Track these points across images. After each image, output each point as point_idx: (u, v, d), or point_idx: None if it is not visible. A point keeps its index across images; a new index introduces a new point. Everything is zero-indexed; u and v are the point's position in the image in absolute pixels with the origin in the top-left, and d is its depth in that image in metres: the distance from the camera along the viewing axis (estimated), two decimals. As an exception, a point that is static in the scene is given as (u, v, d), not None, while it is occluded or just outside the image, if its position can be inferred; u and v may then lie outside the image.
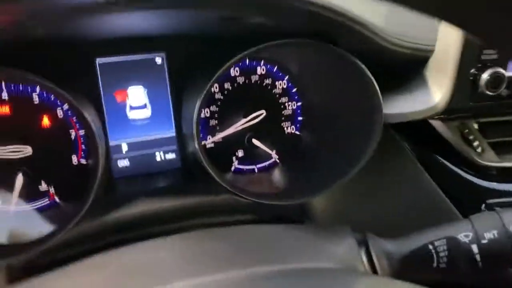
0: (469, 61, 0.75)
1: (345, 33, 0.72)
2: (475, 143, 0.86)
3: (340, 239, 0.70)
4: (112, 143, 0.84)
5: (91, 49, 0.80)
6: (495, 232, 0.64)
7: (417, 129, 0.89)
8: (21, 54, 0.68)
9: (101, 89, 0.82)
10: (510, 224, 0.64)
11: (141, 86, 0.85)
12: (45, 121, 0.79)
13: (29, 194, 0.79)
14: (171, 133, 0.88)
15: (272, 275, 0.59)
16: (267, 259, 0.63)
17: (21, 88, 0.77)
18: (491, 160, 0.87)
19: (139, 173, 0.87)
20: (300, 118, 0.94)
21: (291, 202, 0.81)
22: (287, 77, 0.92)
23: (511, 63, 0.77)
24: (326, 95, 0.89)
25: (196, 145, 0.75)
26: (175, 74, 0.86)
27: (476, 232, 0.64)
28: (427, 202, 0.90)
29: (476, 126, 0.88)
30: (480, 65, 0.76)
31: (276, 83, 0.91)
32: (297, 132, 0.94)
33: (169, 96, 0.86)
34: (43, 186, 0.80)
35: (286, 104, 0.93)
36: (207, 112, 0.88)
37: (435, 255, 0.64)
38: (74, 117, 0.80)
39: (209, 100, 0.87)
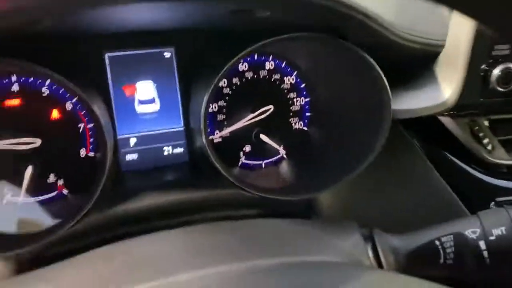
0: (480, 57, 0.74)
1: (354, 27, 0.71)
2: (485, 141, 0.85)
3: (346, 234, 0.69)
4: (120, 136, 0.85)
5: (101, 43, 0.81)
6: (503, 228, 0.63)
7: (426, 126, 0.89)
8: (31, 48, 0.69)
9: (110, 83, 0.83)
10: (518, 221, 0.64)
11: (149, 81, 0.85)
12: (54, 114, 0.80)
13: (38, 186, 0.79)
14: (179, 127, 0.88)
15: (275, 268, 0.59)
16: (271, 252, 0.63)
17: (31, 81, 0.78)
18: (501, 157, 0.86)
19: (147, 167, 0.87)
20: (308, 114, 0.94)
21: (298, 198, 0.81)
22: (295, 72, 0.91)
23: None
24: (335, 90, 0.89)
25: (204, 140, 0.75)
26: (184, 69, 0.86)
27: (484, 228, 0.64)
28: (436, 199, 0.89)
29: (486, 123, 0.87)
30: (491, 60, 0.75)
31: (285, 78, 0.91)
32: (305, 128, 0.94)
33: (178, 91, 0.87)
34: (52, 178, 0.81)
35: (294, 99, 0.92)
36: (215, 106, 0.88)
37: (442, 251, 0.64)
38: (83, 111, 0.81)
39: (217, 94, 0.87)
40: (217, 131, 0.89)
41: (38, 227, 0.74)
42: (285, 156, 0.93)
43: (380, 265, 0.65)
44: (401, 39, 0.73)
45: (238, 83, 0.88)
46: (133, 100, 0.85)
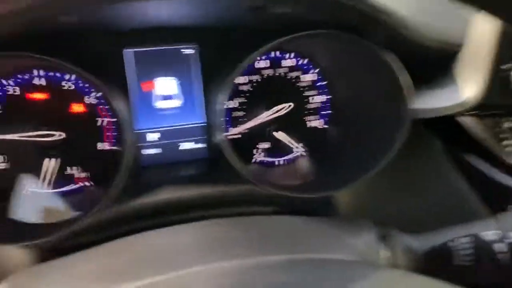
0: (502, 57, 0.73)
1: (373, 25, 0.71)
2: (506, 142, 0.84)
3: (361, 232, 0.69)
4: (140, 131, 0.86)
5: (122, 39, 0.82)
6: (521, 231, 0.62)
7: (446, 126, 0.88)
8: (53, 43, 0.70)
9: (131, 78, 0.84)
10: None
11: (171, 77, 0.86)
12: (76, 107, 0.82)
13: (60, 178, 0.82)
14: (199, 123, 0.89)
15: (287, 264, 0.59)
16: (285, 249, 0.63)
17: (54, 75, 0.80)
18: (521, 159, 0.84)
19: (166, 162, 0.88)
20: (327, 112, 0.94)
21: (314, 195, 0.81)
22: (317, 70, 0.91)
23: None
24: (354, 88, 0.89)
25: (221, 136, 0.76)
26: (205, 65, 0.87)
27: (502, 231, 0.63)
28: (454, 200, 0.88)
29: (507, 124, 0.85)
30: (514, 60, 0.73)
31: (304, 76, 0.91)
32: (325, 126, 0.94)
33: (198, 87, 0.88)
34: (73, 171, 0.83)
35: (313, 97, 0.92)
36: (234, 103, 0.89)
37: (457, 253, 0.63)
38: (104, 105, 0.82)
39: (237, 91, 0.88)
40: (235, 128, 0.89)
41: (59, 218, 0.77)
42: (302, 153, 0.93)
43: (395, 265, 0.65)
44: (420, 37, 0.72)
45: (259, 80, 0.89)
46: (154, 95, 0.86)
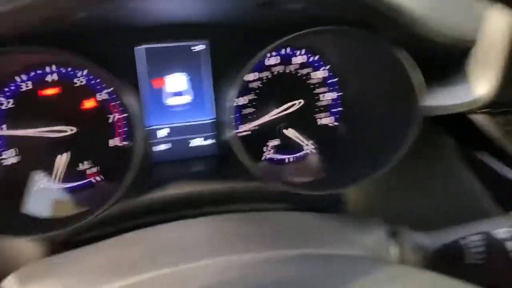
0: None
1: (385, 21, 0.70)
2: (519, 140, 0.83)
3: (371, 229, 0.69)
4: (150, 128, 0.87)
5: (133, 35, 0.83)
6: (534, 229, 0.61)
7: (458, 123, 0.87)
8: (65, 40, 0.71)
9: (142, 75, 0.85)
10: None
11: (181, 73, 0.87)
12: (88, 103, 0.82)
13: (71, 173, 0.83)
14: (209, 120, 0.89)
15: (295, 259, 0.59)
16: (295, 243, 0.63)
17: (67, 71, 0.81)
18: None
19: (176, 158, 0.89)
20: (337, 109, 0.93)
21: (324, 193, 0.80)
22: (328, 66, 0.91)
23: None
24: (365, 85, 0.88)
25: (231, 133, 0.76)
26: (216, 62, 0.87)
27: (514, 229, 0.62)
28: (467, 198, 0.87)
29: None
30: (528, 57, 0.72)
31: (315, 73, 0.91)
32: (335, 123, 0.94)
33: (208, 83, 0.88)
34: (85, 166, 0.84)
35: (324, 94, 0.92)
36: (244, 100, 0.89)
37: (469, 250, 0.62)
38: (115, 101, 0.83)
39: (247, 88, 0.88)
40: (244, 125, 0.89)
41: (70, 212, 0.77)
42: (312, 151, 0.93)
43: (404, 262, 0.64)
44: (432, 33, 0.71)
45: (270, 77, 0.89)
46: (164, 92, 0.86)
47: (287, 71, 0.89)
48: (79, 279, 0.61)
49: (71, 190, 0.83)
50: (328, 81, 0.92)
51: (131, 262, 0.62)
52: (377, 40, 0.73)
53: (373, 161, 0.81)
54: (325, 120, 0.94)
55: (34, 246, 0.76)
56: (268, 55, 0.88)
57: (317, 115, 0.93)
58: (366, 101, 0.88)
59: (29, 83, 0.79)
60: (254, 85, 0.89)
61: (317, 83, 0.92)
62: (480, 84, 0.75)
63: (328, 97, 0.93)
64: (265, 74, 0.89)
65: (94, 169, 0.85)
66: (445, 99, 0.79)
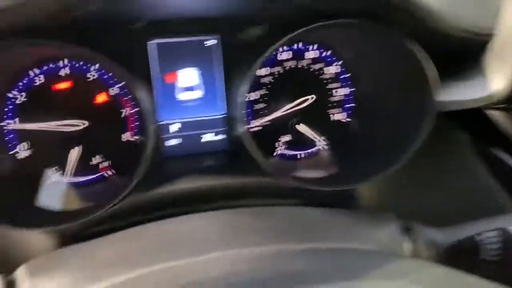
0: (533, 47, 0.70)
1: (399, 15, 0.70)
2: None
3: (384, 224, 0.68)
4: (162, 122, 0.86)
5: (145, 30, 0.83)
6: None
7: (473, 119, 0.85)
8: (77, 34, 0.71)
9: (155, 69, 0.85)
10: None
11: (193, 68, 0.87)
12: (100, 98, 0.83)
13: (82, 167, 0.83)
14: (220, 115, 0.89)
15: (309, 252, 0.59)
16: (307, 238, 0.63)
17: (80, 65, 0.81)
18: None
19: (187, 153, 0.88)
20: (350, 105, 0.93)
21: (336, 188, 0.80)
22: (341, 62, 0.90)
23: None
24: (378, 80, 0.87)
25: (242, 128, 0.75)
26: (227, 56, 0.87)
27: (530, 225, 0.61)
28: (482, 194, 0.86)
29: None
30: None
31: (328, 68, 0.90)
32: (348, 119, 0.93)
33: (220, 78, 0.88)
34: (97, 160, 0.84)
35: (337, 90, 0.91)
36: (256, 95, 0.88)
37: (484, 247, 0.61)
38: (127, 96, 0.83)
39: (258, 83, 0.88)
40: (256, 120, 0.89)
41: (81, 206, 0.78)
42: (324, 146, 0.92)
43: (417, 257, 0.63)
44: (447, 27, 0.70)
45: (280, 72, 0.88)
46: (176, 87, 0.86)
47: (299, 66, 0.89)
48: (89, 271, 0.61)
49: (83, 184, 0.83)
50: (341, 77, 0.91)
51: (141, 255, 0.62)
52: (390, 33, 0.72)
53: (386, 157, 0.80)
54: (338, 116, 0.93)
55: (45, 239, 0.76)
56: (280, 49, 0.87)
57: (330, 111, 0.92)
58: (379, 96, 0.87)
59: (42, 77, 0.80)
60: (266, 80, 0.88)
61: (330, 78, 0.91)
62: (496, 79, 0.73)
63: (340, 92, 0.92)
64: (277, 69, 0.88)
65: (106, 163, 0.85)
66: (460, 94, 0.78)
